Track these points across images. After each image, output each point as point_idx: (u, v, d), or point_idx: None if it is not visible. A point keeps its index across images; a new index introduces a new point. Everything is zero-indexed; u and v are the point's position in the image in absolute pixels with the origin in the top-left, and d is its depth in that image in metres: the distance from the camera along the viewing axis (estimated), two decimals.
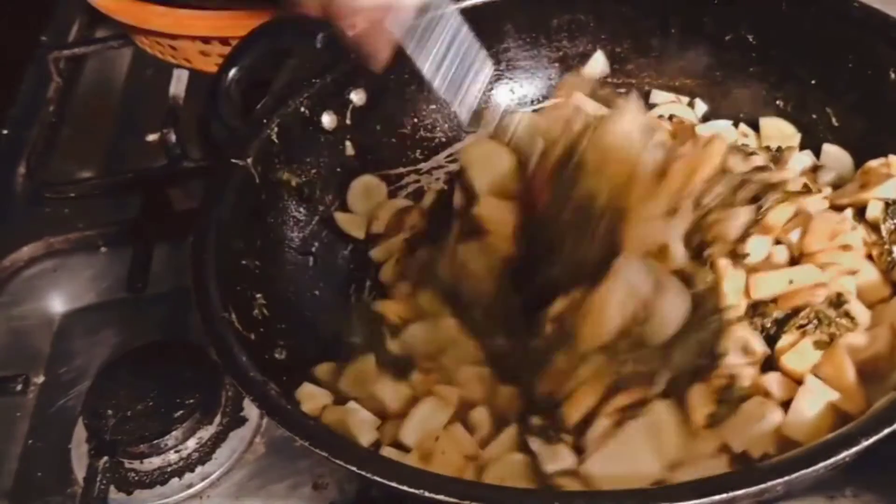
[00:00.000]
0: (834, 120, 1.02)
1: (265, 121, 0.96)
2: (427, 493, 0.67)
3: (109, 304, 1.14)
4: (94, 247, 1.20)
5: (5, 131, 1.38)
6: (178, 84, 1.32)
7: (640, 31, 1.08)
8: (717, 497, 0.65)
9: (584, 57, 1.10)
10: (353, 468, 0.71)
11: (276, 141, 0.95)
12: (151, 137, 1.33)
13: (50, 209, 1.25)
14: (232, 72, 0.98)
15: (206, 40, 1.28)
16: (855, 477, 0.84)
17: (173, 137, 1.23)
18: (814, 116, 1.03)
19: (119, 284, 1.14)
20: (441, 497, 0.67)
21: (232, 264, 0.86)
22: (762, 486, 0.66)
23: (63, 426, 1.02)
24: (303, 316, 0.95)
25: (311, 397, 0.89)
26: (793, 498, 0.84)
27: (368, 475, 0.70)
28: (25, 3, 1.59)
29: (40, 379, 1.08)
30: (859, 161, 0.97)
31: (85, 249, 1.20)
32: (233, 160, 0.92)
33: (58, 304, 1.16)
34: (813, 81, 1.02)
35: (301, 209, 0.99)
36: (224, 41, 1.26)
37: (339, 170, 1.03)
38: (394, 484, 0.69)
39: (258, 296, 0.89)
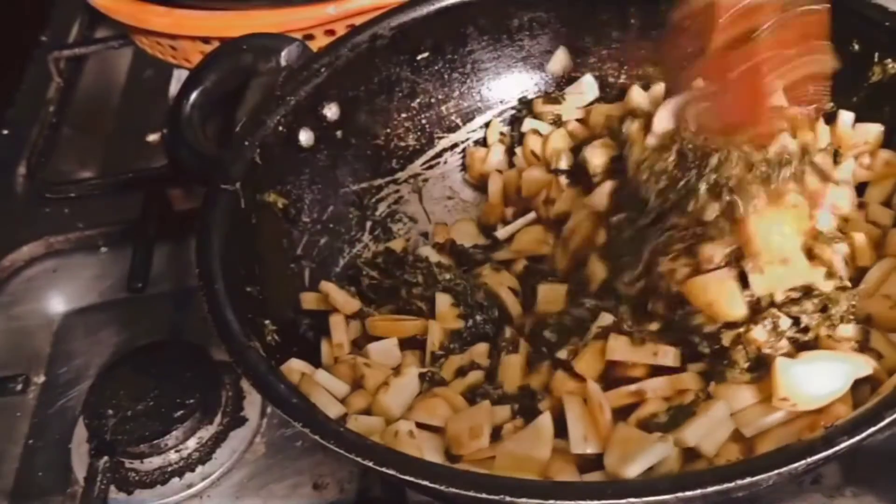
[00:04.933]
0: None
1: (247, 143, 0.94)
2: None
3: (109, 304, 1.14)
4: (94, 247, 1.20)
5: (5, 131, 1.38)
6: (178, 84, 1.31)
7: (600, 23, 1.09)
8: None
9: (548, 54, 1.11)
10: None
11: (259, 163, 0.94)
12: (151, 137, 1.33)
13: (50, 209, 1.25)
14: (193, 96, 0.97)
15: (206, 40, 1.28)
16: (855, 477, 0.85)
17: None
18: None
19: (119, 284, 1.14)
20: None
21: (239, 294, 0.85)
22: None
23: (63, 426, 1.02)
24: (306, 339, 0.96)
25: (294, 372, 0.88)
26: (791, 497, 0.84)
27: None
28: (25, 3, 1.60)
29: (40, 379, 1.08)
30: None
31: (85, 249, 1.20)
32: (222, 186, 0.90)
33: (58, 304, 1.16)
34: None
35: (290, 230, 0.99)
36: (224, 41, 1.26)
37: (319, 187, 1.03)
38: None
39: (266, 322, 0.89)
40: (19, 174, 1.31)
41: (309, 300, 0.97)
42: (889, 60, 0.94)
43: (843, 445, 0.67)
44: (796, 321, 0.83)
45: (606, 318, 0.87)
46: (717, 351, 0.83)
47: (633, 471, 0.75)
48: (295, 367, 0.88)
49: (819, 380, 0.79)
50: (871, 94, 0.96)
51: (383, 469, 0.71)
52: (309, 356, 0.92)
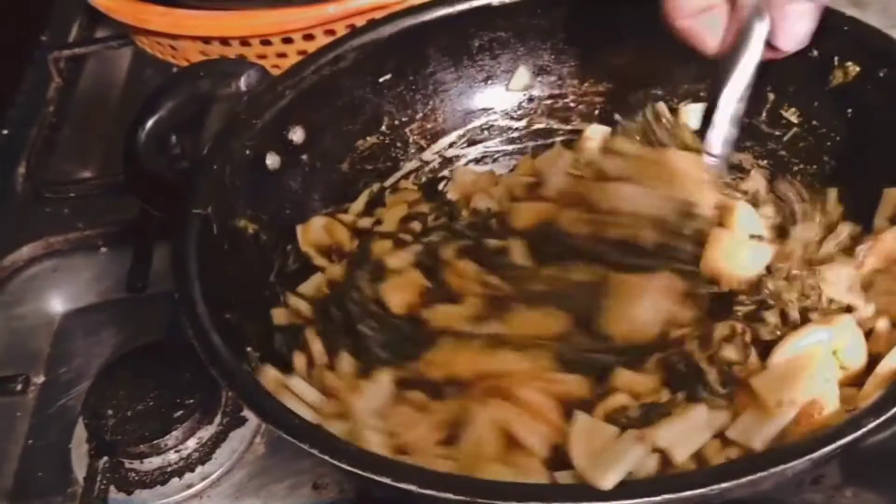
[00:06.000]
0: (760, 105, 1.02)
1: (216, 166, 0.93)
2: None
3: (109, 304, 1.14)
4: (94, 247, 1.20)
5: (5, 131, 1.38)
6: None
7: (560, 41, 1.09)
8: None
9: (509, 73, 1.11)
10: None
11: (228, 186, 0.93)
12: None
13: (50, 209, 1.25)
14: (148, 125, 0.96)
15: (206, 40, 1.28)
16: (856, 476, 0.84)
17: (173, 137, 1.23)
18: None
19: (119, 284, 1.14)
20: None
21: (220, 320, 0.84)
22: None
23: (63, 426, 1.02)
24: (282, 354, 0.94)
25: (269, 379, 0.88)
26: (791, 497, 0.84)
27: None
28: (25, 3, 1.59)
29: (40, 379, 1.08)
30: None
31: (85, 249, 1.20)
32: (194, 210, 0.89)
33: (58, 303, 1.16)
34: None
35: (262, 255, 0.98)
36: (224, 41, 1.26)
37: (287, 212, 1.02)
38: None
39: (248, 349, 0.88)
40: (19, 174, 1.31)
41: (280, 315, 0.96)
42: (850, 63, 0.94)
43: (843, 441, 0.67)
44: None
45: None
46: (692, 372, 0.82)
47: (609, 480, 0.72)
48: (270, 373, 0.87)
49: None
50: (834, 98, 0.96)
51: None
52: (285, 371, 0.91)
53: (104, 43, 1.48)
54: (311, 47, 1.21)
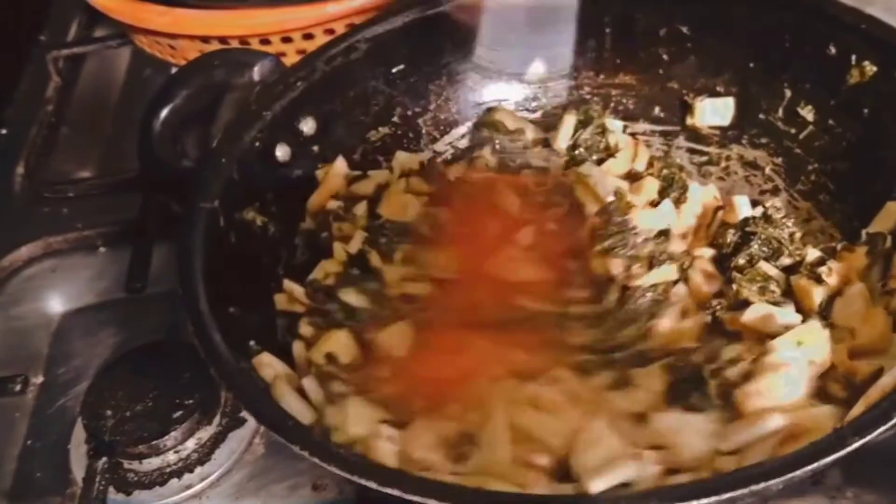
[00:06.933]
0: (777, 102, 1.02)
1: (224, 160, 0.93)
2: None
3: (108, 304, 1.14)
4: (92, 247, 1.20)
5: (4, 131, 1.38)
6: None
7: (576, 32, 1.08)
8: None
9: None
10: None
11: (237, 179, 0.93)
12: None
13: (49, 209, 1.24)
14: (163, 113, 0.96)
15: (205, 40, 1.27)
16: (856, 477, 0.84)
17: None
18: (758, 101, 1.04)
19: (118, 284, 1.14)
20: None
21: (223, 315, 0.83)
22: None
23: (62, 426, 1.01)
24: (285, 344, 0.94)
25: (265, 366, 0.87)
26: (792, 498, 0.84)
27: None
28: (24, 2, 1.59)
29: (39, 379, 1.08)
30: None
31: (84, 249, 1.20)
32: (201, 204, 0.89)
33: (56, 304, 1.16)
34: (751, 65, 1.03)
35: (270, 248, 0.98)
36: (223, 40, 1.26)
37: (297, 204, 1.02)
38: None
39: (251, 343, 0.88)
40: (17, 174, 1.31)
41: (282, 301, 0.96)
42: (867, 62, 0.94)
43: (830, 458, 0.68)
44: None
45: None
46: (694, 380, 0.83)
47: (597, 486, 0.72)
48: (266, 361, 0.87)
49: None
50: (851, 96, 0.96)
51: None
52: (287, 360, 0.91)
53: (103, 42, 1.48)
54: (311, 46, 1.21)
